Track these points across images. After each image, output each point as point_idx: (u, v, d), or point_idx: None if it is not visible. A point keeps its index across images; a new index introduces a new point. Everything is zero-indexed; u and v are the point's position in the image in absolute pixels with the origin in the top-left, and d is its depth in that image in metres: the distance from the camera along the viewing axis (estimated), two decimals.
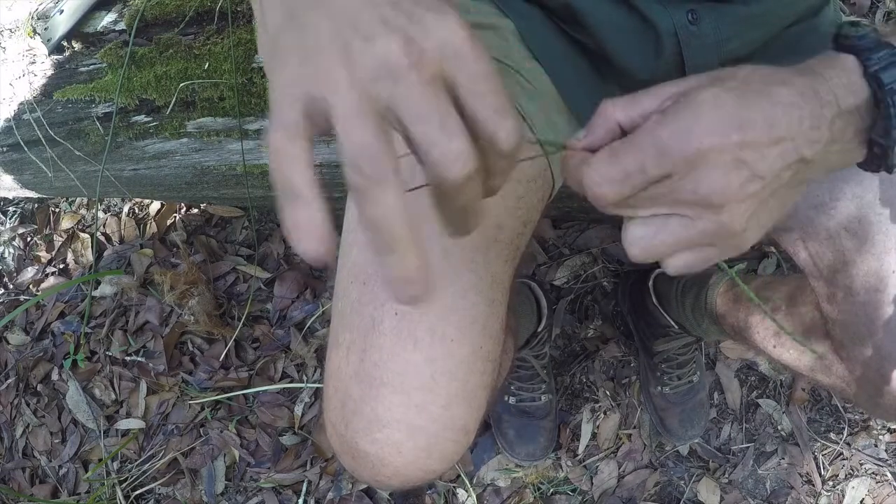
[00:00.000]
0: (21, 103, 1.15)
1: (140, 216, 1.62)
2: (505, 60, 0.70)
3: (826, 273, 0.72)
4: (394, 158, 0.35)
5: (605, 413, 1.38)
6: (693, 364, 1.30)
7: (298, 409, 1.43)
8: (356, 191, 0.36)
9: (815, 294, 0.75)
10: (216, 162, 1.15)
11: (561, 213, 1.37)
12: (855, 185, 0.70)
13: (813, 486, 1.31)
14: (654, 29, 0.67)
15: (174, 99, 1.09)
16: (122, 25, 1.13)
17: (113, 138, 1.13)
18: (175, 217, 1.59)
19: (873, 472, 1.31)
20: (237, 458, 1.43)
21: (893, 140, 0.46)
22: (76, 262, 1.61)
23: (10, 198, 1.66)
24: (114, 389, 1.51)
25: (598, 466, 1.35)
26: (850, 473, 1.31)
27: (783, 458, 1.33)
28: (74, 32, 1.14)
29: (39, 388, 1.54)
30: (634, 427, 1.36)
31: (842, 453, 1.32)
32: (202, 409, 1.45)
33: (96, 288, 1.57)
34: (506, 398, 1.32)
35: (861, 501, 1.29)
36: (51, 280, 1.61)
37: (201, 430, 1.46)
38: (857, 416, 1.33)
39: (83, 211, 1.65)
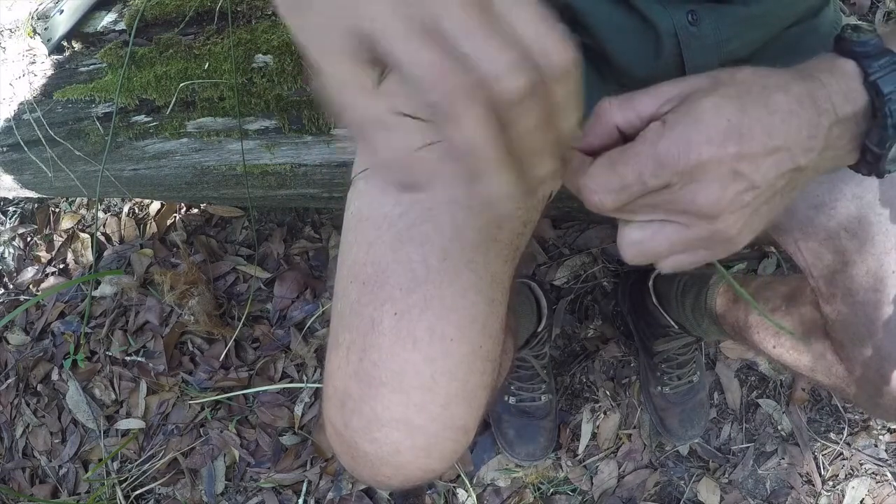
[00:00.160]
0: (21, 103, 1.15)
1: (140, 216, 1.62)
2: None
3: (826, 273, 0.72)
4: (465, 70, 0.33)
5: (605, 413, 1.38)
6: (693, 364, 1.30)
7: (298, 409, 1.43)
8: (436, 115, 0.33)
9: (815, 294, 0.75)
10: (216, 162, 1.15)
11: (561, 213, 1.37)
12: (855, 186, 0.70)
13: (813, 486, 1.31)
14: (653, 29, 0.67)
15: (174, 99, 1.09)
16: (122, 25, 1.13)
17: (113, 138, 1.13)
18: (175, 217, 1.59)
19: (873, 472, 1.31)
20: (237, 458, 1.43)
21: (887, 149, 0.46)
22: (76, 262, 1.61)
23: (10, 198, 1.66)
24: (114, 389, 1.51)
25: (598, 466, 1.35)
26: (850, 473, 1.31)
27: (783, 458, 1.33)
28: (74, 32, 1.14)
29: (39, 388, 1.54)
30: (634, 427, 1.36)
31: (842, 453, 1.32)
32: (202, 409, 1.45)
33: (96, 288, 1.57)
34: (506, 398, 1.32)
35: (861, 501, 1.29)
36: (51, 280, 1.61)
37: (201, 430, 1.46)
38: (857, 416, 1.33)
39: (83, 211, 1.65)
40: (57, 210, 1.66)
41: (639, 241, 0.44)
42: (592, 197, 0.42)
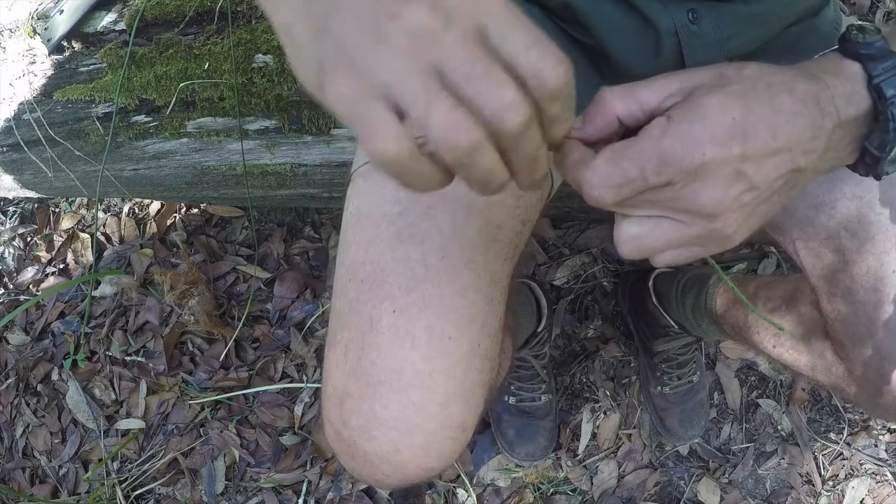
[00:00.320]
0: (21, 103, 1.15)
1: (140, 216, 1.62)
2: None
3: (826, 273, 0.72)
4: (475, 119, 0.36)
5: (605, 413, 1.38)
6: (693, 364, 1.30)
7: (298, 409, 1.43)
8: (455, 167, 0.37)
9: (815, 294, 0.75)
10: (216, 162, 1.15)
11: (561, 213, 1.37)
12: (855, 185, 0.69)
13: (813, 486, 1.31)
14: (654, 28, 0.67)
15: (174, 99, 1.09)
16: (122, 25, 1.13)
17: (113, 138, 1.13)
18: (175, 217, 1.59)
19: (873, 472, 1.31)
20: (237, 458, 1.43)
21: (887, 152, 0.46)
22: (76, 262, 1.62)
23: (10, 198, 1.66)
24: (114, 389, 1.51)
25: (598, 466, 1.35)
26: (850, 473, 1.31)
27: (783, 458, 1.32)
28: (74, 32, 1.14)
29: (39, 388, 1.54)
30: (634, 427, 1.36)
31: (842, 453, 1.32)
32: (202, 409, 1.45)
33: (96, 288, 1.57)
34: (506, 398, 1.32)
35: (861, 501, 1.29)
36: (51, 280, 1.61)
37: (201, 430, 1.45)
38: (857, 416, 1.33)
39: (83, 211, 1.65)
40: (57, 210, 1.66)
41: (636, 237, 0.44)
42: (593, 192, 0.42)
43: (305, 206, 1.52)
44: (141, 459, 1.46)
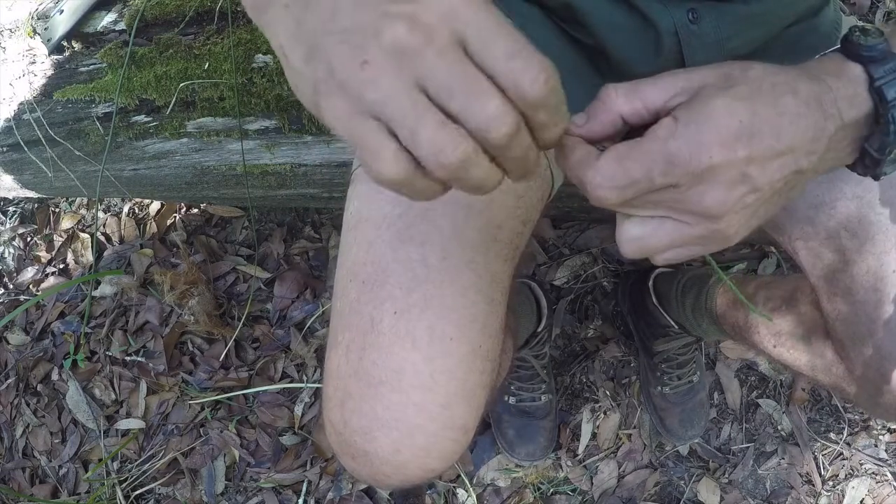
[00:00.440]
0: (21, 103, 1.15)
1: (140, 216, 1.62)
2: None
3: (826, 272, 0.72)
4: (463, 135, 0.37)
5: (605, 413, 1.38)
6: (693, 364, 1.30)
7: (298, 409, 1.43)
8: (449, 181, 0.38)
9: (815, 294, 0.75)
10: (216, 162, 1.15)
11: (561, 213, 1.37)
12: (855, 185, 0.69)
13: (813, 486, 1.31)
14: (654, 28, 0.67)
15: (174, 99, 1.09)
16: (122, 25, 1.13)
17: (113, 138, 1.13)
18: (175, 217, 1.59)
19: (873, 472, 1.31)
20: (237, 458, 1.43)
21: (887, 154, 0.46)
22: (76, 262, 1.61)
23: (10, 198, 1.66)
24: (114, 389, 1.51)
25: (598, 466, 1.35)
26: (850, 473, 1.31)
27: (783, 458, 1.33)
28: (74, 32, 1.14)
29: (39, 388, 1.54)
30: (634, 427, 1.36)
31: (842, 453, 1.32)
32: (202, 409, 1.45)
33: (96, 288, 1.57)
34: (506, 398, 1.32)
35: (861, 501, 1.29)
36: (51, 280, 1.61)
37: (201, 430, 1.45)
38: (857, 416, 1.33)
39: (83, 211, 1.65)
40: (57, 210, 1.66)
41: (639, 237, 0.44)
42: (597, 191, 0.42)
43: (305, 206, 1.52)
44: (141, 459, 1.46)
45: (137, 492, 1.44)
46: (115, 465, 1.47)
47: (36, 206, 1.68)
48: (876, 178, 0.49)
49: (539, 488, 1.35)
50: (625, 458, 1.35)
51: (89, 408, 1.50)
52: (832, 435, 1.33)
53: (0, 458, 1.53)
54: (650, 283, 1.27)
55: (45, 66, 1.16)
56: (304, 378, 1.45)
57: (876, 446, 1.31)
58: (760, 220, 0.46)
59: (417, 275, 0.63)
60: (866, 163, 0.48)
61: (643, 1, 0.66)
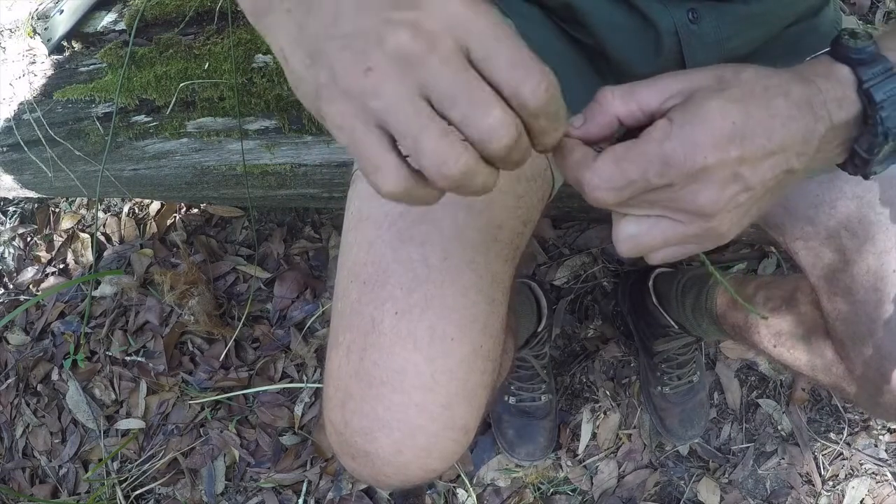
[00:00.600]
0: (21, 103, 1.15)
1: (140, 216, 1.62)
2: None
3: (826, 272, 0.72)
4: (464, 145, 0.37)
5: (605, 413, 1.38)
6: (693, 364, 1.30)
7: (298, 409, 1.43)
8: (451, 190, 0.39)
9: (815, 293, 0.75)
10: (216, 162, 1.15)
11: (561, 213, 1.37)
12: (855, 185, 0.70)
13: (813, 486, 1.31)
14: (654, 28, 0.67)
15: (174, 99, 1.09)
16: (122, 25, 1.13)
17: (113, 138, 1.13)
18: (175, 217, 1.59)
19: (873, 472, 1.31)
20: (237, 458, 1.43)
21: (875, 154, 0.47)
22: (76, 262, 1.61)
23: (10, 198, 1.66)
24: (114, 389, 1.51)
25: (598, 466, 1.35)
26: (850, 473, 1.31)
27: (783, 458, 1.33)
28: (74, 32, 1.14)
29: (39, 388, 1.54)
30: (634, 427, 1.36)
31: (842, 453, 1.32)
32: (202, 409, 1.45)
33: (96, 288, 1.57)
34: (506, 398, 1.32)
35: (861, 501, 1.29)
36: (51, 280, 1.61)
37: (201, 430, 1.45)
38: (857, 416, 1.33)
39: (83, 211, 1.65)
40: (57, 210, 1.66)
41: (635, 236, 0.45)
42: (595, 192, 0.43)
43: (305, 206, 1.52)
44: (141, 459, 1.46)
45: (137, 492, 1.44)
46: (115, 465, 1.47)
47: (36, 206, 1.68)
48: (865, 177, 0.50)
49: (539, 488, 1.35)
50: (625, 458, 1.35)
51: (89, 408, 1.50)
52: (832, 435, 1.33)
53: (0, 458, 1.53)
54: (650, 283, 1.27)
55: (45, 66, 1.16)
56: (304, 378, 1.45)
57: (876, 446, 1.32)
58: (753, 218, 0.47)
59: (418, 275, 0.63)
60: (856, 162, 0.49)
61: (643, 1, 0.67)
